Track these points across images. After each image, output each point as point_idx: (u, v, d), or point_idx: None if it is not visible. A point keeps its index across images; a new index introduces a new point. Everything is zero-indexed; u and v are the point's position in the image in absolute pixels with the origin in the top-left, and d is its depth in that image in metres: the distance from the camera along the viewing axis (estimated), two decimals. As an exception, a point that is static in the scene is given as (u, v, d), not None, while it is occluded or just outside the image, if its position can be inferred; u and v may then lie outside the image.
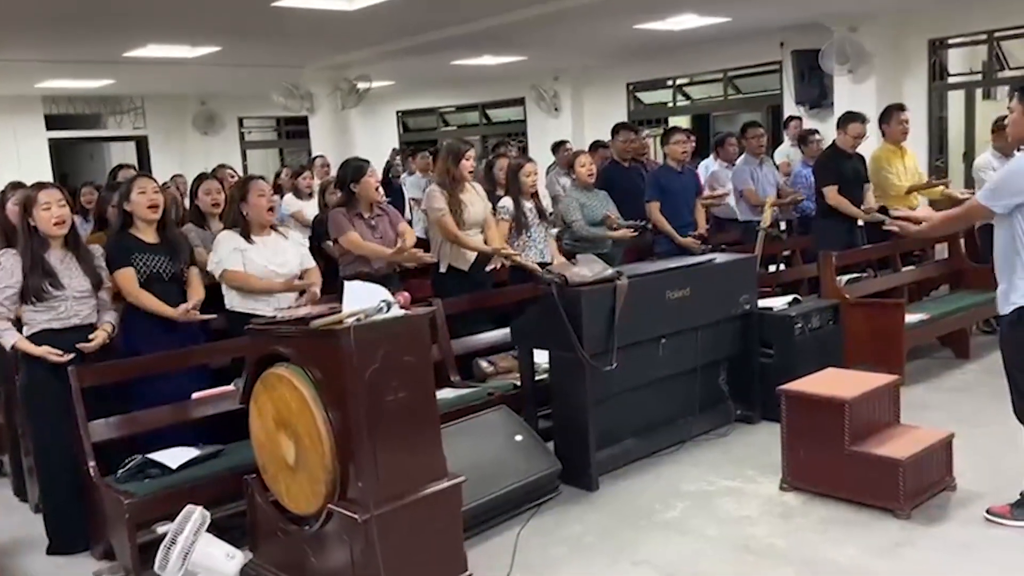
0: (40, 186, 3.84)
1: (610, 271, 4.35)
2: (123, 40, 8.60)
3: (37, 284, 3.70)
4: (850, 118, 6.46)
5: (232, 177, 6.38)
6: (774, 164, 7.90)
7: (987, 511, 3.63)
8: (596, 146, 8.36)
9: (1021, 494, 3.61)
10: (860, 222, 6.42)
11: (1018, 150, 3.58)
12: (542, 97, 13.08)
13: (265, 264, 4.34)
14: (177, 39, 8.78)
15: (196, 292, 4.27)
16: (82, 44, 8.73)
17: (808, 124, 9.08)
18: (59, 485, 3.81)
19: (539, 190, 5.76)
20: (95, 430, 3.72)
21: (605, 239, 6.00)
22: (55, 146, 13.27)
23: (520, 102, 14.04)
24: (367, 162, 5.04)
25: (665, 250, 6.24)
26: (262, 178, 4.63)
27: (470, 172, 5.26)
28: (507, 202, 5.51)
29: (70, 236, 3.86)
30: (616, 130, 7.33)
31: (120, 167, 6.78)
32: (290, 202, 7.53)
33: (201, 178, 5.22)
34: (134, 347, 4.08)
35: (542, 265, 5.34)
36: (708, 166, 7.89)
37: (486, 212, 5.33)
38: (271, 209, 4.44)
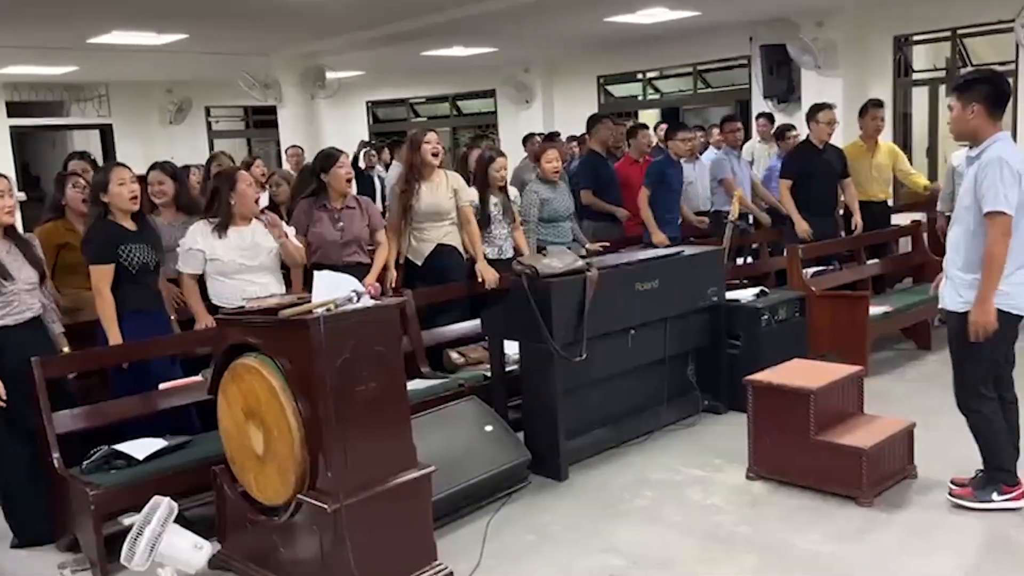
0: None
1: (580, 263, 4.37)
2: (87, 25, 8.46)
3: None
4: (818, 108, 6.55)
5: (219, 166, 6.17)
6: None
7: (950, 494, 3.71)
8: (550, 138, 8.45)
9: (977, 471, 3.71)
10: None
11: (968, 147, 3.59)
12: (513, 88, 13.07)
13: (233, 257, 4.29)
14: (143, 25, 8.65)
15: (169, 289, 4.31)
16: (45, 29, 8.57)
17: (777, 118, 9.16)
18: (22, 477, 3.75)
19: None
20: (59, 421, 3.68)
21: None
22: (16, 134, 13.01)
23: (491, 94, 14.03)
24: (341, 152, 5.00)
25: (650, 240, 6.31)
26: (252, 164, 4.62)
27: (434, 156, 5.11)
28: (472, 195, 5.45)
29: (11, 226, 3.79)
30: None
31: (72, 156, 6.31)
32: None
33: (154, 167, 5.15)
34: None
35: (501, 261, 5.34)
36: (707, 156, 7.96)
37: (452, 204, 5.19)
38: (257, 200, 4.41)
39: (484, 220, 5.44)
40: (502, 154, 5.74)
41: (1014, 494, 3.60)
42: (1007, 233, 3.36)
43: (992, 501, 3.61)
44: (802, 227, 6.34)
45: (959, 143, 4.64)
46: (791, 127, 7.97)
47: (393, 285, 5.10)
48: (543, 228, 5.93)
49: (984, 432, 3.61)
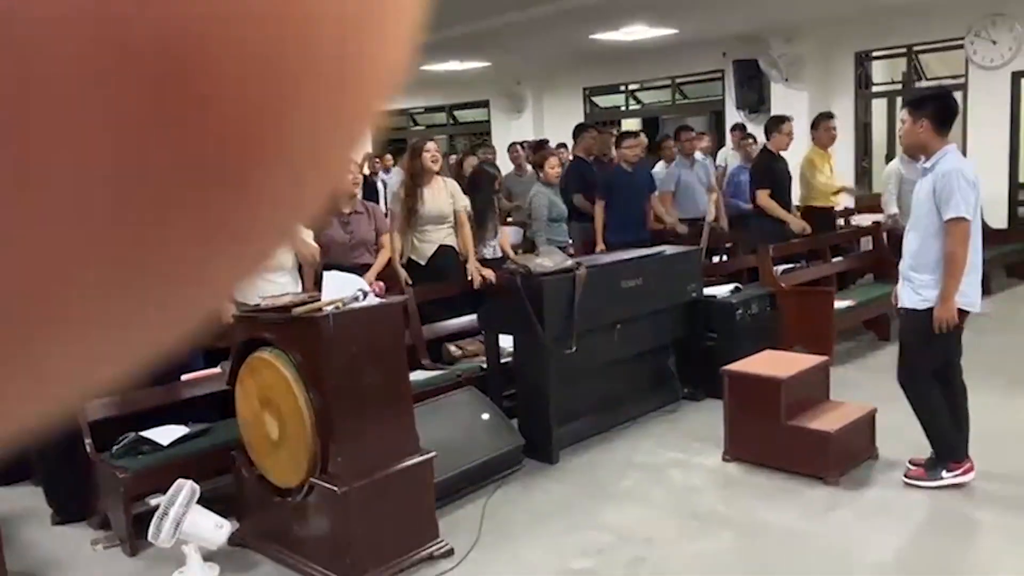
0: None
1: (570, 262, 4.37)
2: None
3: None
4: (779, 120, 6.54)
5: None
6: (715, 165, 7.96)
7: (905, 475, 3.73)
8: (540, 146, 8.43)
9: (932, 453, 3.72)
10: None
11: (913, 158, 3.63)
12: (506, 99, 13.04)
13: None
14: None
15: None
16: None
17: (748, 128, 9.16)
18: (63, 462, 3.71)
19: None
20: (91, 409, 3.66)
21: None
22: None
23: (485, 104, 13.99)
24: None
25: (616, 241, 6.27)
26: None
27: (433, 162, 5.08)
28: (466, 200, 5.41)
29: None
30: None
31: None
32: None
33: None
34: None
35: (493, 260, 5.34)
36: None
37: (451, 208, 5.17)
38: None
39: (482, 224, 5.44)
40: (499, 171, 5.79)
41: (961, 470, 3.62)
42: (967, 238, 3.39)
43: (942, 478, 3.62)
44: (798, 224, 6.35)
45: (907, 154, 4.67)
46: (749, 135, 7.96)
47: (407, 283, 5.06)
48: (549, 228, 5.92)
49: (922, 410, 3.62)
